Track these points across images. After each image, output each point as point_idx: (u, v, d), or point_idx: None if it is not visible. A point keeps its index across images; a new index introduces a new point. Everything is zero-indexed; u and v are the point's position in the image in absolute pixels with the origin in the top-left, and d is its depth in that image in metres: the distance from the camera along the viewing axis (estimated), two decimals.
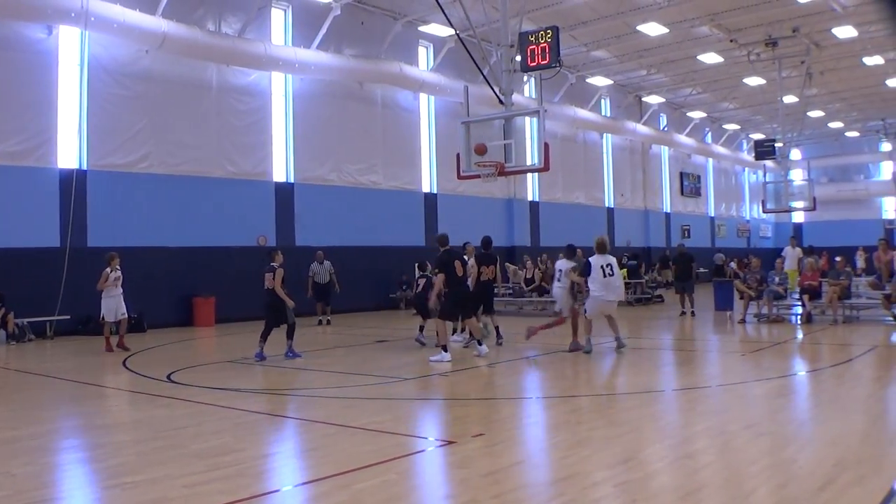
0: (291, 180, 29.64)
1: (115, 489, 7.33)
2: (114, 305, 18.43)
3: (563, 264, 17.86)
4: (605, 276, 16.28)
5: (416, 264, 20.32)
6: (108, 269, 18.33)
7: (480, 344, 16.65)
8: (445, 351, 15.79)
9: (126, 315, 18.95)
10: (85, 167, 23.88)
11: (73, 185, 23.31)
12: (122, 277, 18.59)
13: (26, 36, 22.83)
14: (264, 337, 16.55)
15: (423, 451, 8.76)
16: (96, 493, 7.47)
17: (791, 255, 28.16)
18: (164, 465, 7.92)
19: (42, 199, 22.96)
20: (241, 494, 6.95)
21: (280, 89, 29.70)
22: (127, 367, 15.92)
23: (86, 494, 7.49)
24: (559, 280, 17.80)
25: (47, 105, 23.29)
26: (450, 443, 8.92)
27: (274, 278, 16.38)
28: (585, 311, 16.85)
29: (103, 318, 18.52)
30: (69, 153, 23.80)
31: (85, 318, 22.49)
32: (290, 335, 16.68)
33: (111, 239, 23.22)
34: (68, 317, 22.68)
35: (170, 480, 7.38)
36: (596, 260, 16.40)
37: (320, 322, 25.18)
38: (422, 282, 19.15)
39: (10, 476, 7.71)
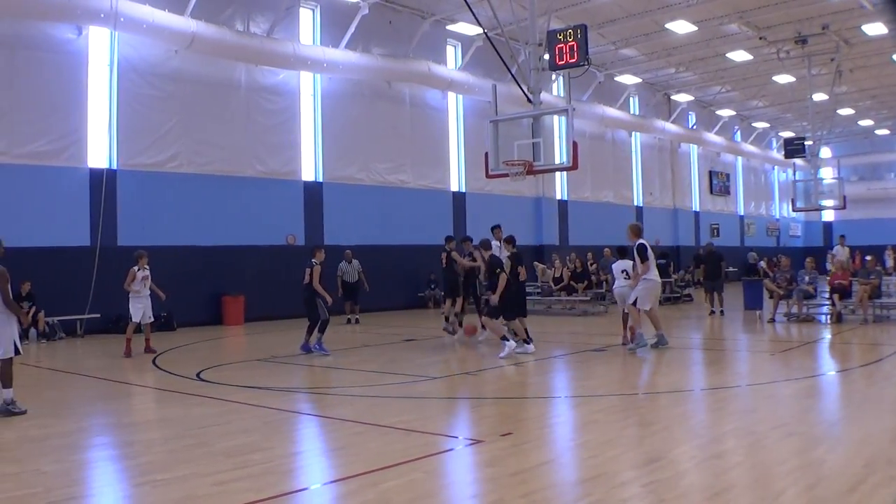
0: (320, 179, 29.71)
1: (144, 486, 7.38)
2: (141, 307, 17.88)
3: (622, 264, 18.00)
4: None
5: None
6: (136, 268, 17.96)
7: (529, 342, 16.87)
8: (509, 340, 16.19)
9: (152, 318, 18.55)
10: (115, 167, 24.03)
11: (103, 185, 23.49)
12: (150, 277, 18.14)
13: (56, 37, 23.00)
14: (309, 331, 17.02)
15: (451, 449, 8.76)
16: (126, 491, 7.52)
17: (841, 253, 28.05)
18: (193, 462, 7.96)
19: (72, 199, 23.14)
20: (269, 492, 6.98)
21: (309, 89, 29.77)
22: (156, 366, 16.01)
23: (115, 492, 7.54)
24: (620, 278, 17.95)
25: (77, 105, 23.47)
26: (478, 442, 8.92)
27: (311, 274, 16.61)
28: (637, 303, 16.72)
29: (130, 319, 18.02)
30: (99, 153, 23.97)
31: (115, 317, 22.61)
32: (321, 329, 16.93)
33: (141, 238, 23.36)
34: (98, 315, 22.83)
35: (198, 478, 7.43)
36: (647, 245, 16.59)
37: (349, 321, 25.24)
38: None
39: (40, 473, 7.78)
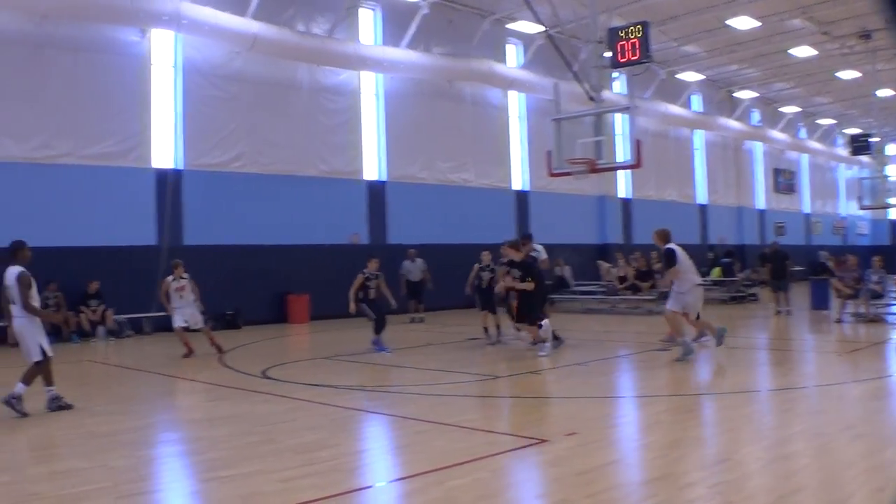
0: (383, 178, 29.84)
1: (211, 482, 7.47)
2: (180, 315, 17.19)
3: None
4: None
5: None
6: (170, 278, 17.47)
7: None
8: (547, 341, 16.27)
9: (202, 325, 17.52)
10: (180, 167, 24.37)
11: (169, 185, 23.79)
12: (188, 286, 17.39)
13: (120, 39, 23.40)
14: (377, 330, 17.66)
15: (515, 449, 8.76)
16: (193, 486, 7.62)
17: None
18: (260, 459, 8.03)
19: (139, 199, 23.49)
20: (334, 490, 7.02)
21: (370, 88, 29.91)
22: (223, 364, 16.17)
23: (182, 487, 7.65)
24: None
25: (142, 107, 23.84)
26: (542, 441, 8.89)
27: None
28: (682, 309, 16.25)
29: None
30: (165, 153, 24.35)
31: None
32: (376, 330, 17.56)
33: (206, 237, 23.68)
34: (165, 313, 23.07)
35: (265, 475, 7.49)
36: (679, 248, 15.70)
37: (412, 320, 25.31)
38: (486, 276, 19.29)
39: (108, 469, 7.91)
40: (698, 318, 15.68)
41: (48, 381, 10.94)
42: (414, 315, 25.56)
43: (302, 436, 9.23)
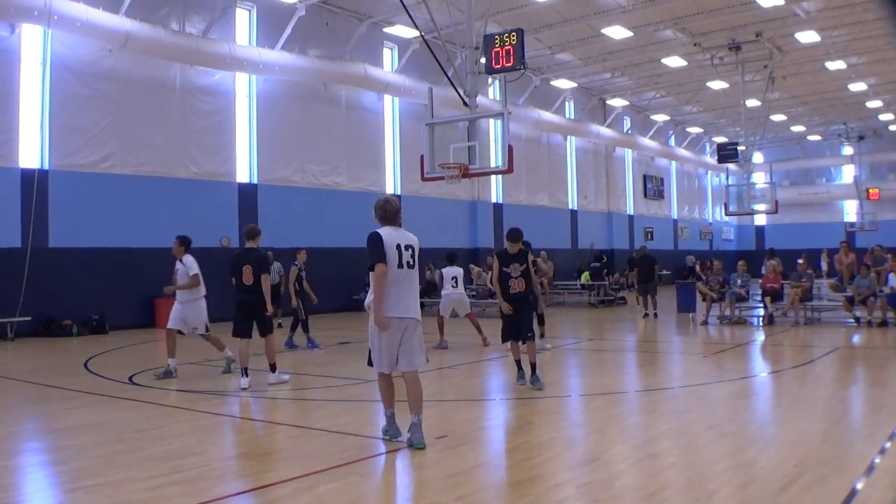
0: (255, 181, 29.54)
1: (76, 492, 7.28)
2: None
3: (452, 271, 19.41)
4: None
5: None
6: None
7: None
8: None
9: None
10: (47, 167, 23.67)
11: (34, 185, 23.11)
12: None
13: None
14: (300, 328, 18.76)
15: (386, 452, 8.75)
16: (58, 497, 7.43)
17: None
18: (126, 467, 7.86)
19: (3, 199, 22.74)
20: (202, 497, 6.92)
21: (244, 90, 29.59)
22: (88, 370, 15.80)
23: (47, 498, 7.45)
24: (449, 285, 19.22)
25: (9, 104, 23.10)
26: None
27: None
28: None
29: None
30: (31, 153, 23.57)
31: (46, 320, 22.34)
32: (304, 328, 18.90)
33: (73, 239, 23.10)
34: (29, 318, 22.47)
35: (131, 483, 7.34)
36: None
37: (280, 325, 25.07)
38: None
39: None
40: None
41: None
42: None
43: (169, 442, 9.07)
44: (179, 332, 14.88)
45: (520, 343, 12.79)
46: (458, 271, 18.81)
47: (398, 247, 8.84)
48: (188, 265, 14.72)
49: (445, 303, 19.08)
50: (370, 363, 9.00)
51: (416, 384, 8.90)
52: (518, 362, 12.96)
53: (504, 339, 12.95)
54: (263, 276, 13.48)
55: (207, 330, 14.75)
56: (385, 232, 8.87)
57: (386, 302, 8.59)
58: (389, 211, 9.17)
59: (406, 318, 8.79)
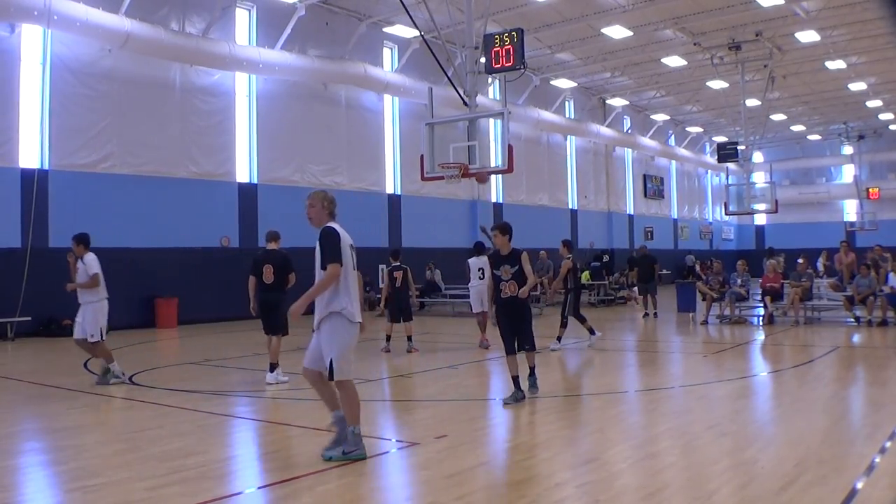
0: (255, 181, 29.53)
1: (76, 492, 7.27)
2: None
3: (479, 262, 18.75)
4: None
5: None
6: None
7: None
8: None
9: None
10: (47, 167, 23.66)
11: (34, 185, 23.11)
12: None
13: None
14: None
15: (386, 452, 8.75)
16: (58, 497, 7.41)
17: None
18: (126, 467, 7.86)
19: (3, 199, 22.74)
20: (203, 497, 6.91)
21: (244, 90, 29.57)
22: (88, 370, 15.79)
23: (47, 498, 7.42)
24: (476, 276, 18.90)
25: (9, 104, 23.09)
26: (413, 444, 8.91)
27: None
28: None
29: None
30: (31, 152, 23.57)
31: (46, 320, 22.34)
32: None
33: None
34: (29, 318, 22.47)
35: (131, 483, 7.34)
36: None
37: None
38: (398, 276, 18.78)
39: None
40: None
41: None
42: None
43: (169, 442, 9.06)
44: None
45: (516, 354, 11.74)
46: (484, 261, 18.24)
47: (350, 246, 8.52)
48: (88, 264, 14.43)
49: (474, 294, 18.85)
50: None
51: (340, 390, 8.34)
52: (515, 378, 11.51)
53: (507, 352, 11.78)
54: (292, 275, 14.37)
55: (103, 338, 14.38)
56: (339, 229, 8.49)
57: (352, 305, 8.20)
58: (334, 201, 8.91)
59: (360, 323, 8.37)
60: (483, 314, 18.14)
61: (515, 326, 11.75)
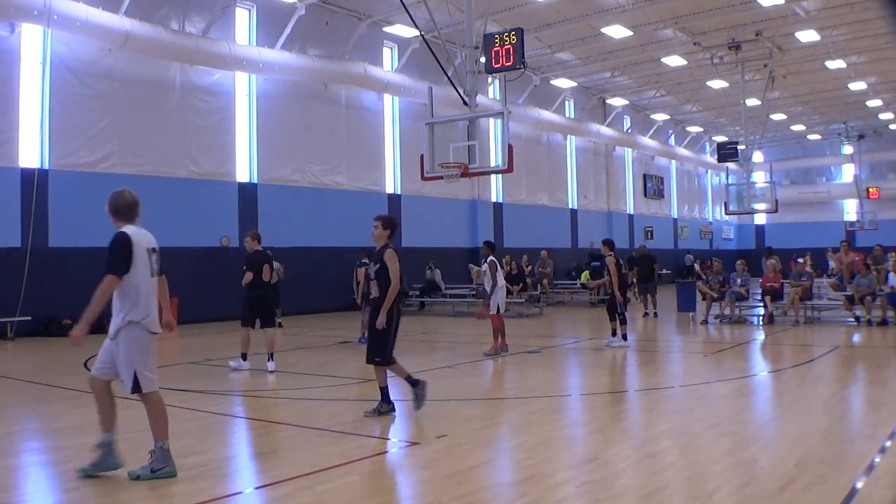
0: (255, 181, 29.51)
1: (76, 492, 7.27)
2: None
3: None
4: None
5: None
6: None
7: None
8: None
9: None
10: (47, 166, 23.65)
11: (34, 185, 23.10)
12: None
13: None
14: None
15: (386, 452, 8.75)
16: (58, 497, 7.40)
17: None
18: (127, 467, 7.83)
19: (3, 199, 22.71)
20: (203, 496, 6.92)
21: (244, 89, 29.56)
22: (88, 369, 15.76)
23: (47, 498, 7.43)
24: None
25: (9, 104, 23.08)
26: (413, 444, 8.92)
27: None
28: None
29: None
30: (31, 152, 23.56)
31: (46, 319, 22.32)
32: None
33: (73, 239, 23.06)
34: (29, 318, 22.45)
35: (131, 483, 7.33)
36: None
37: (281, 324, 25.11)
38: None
39: None
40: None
41: None
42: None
43: (169, 442, 9.04)
44: None
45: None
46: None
47: (148, 251, 8.03)
48: None
49: (501, 296, 17.59)
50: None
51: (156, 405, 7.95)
52: (383, 390, 10.55)
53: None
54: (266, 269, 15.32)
55: None
56: (132, 232, 7.93)
57: (149, 315, 7.87)
58: (129, 202, 8.30)
59: (158, 334, 7.96)
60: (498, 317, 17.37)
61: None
